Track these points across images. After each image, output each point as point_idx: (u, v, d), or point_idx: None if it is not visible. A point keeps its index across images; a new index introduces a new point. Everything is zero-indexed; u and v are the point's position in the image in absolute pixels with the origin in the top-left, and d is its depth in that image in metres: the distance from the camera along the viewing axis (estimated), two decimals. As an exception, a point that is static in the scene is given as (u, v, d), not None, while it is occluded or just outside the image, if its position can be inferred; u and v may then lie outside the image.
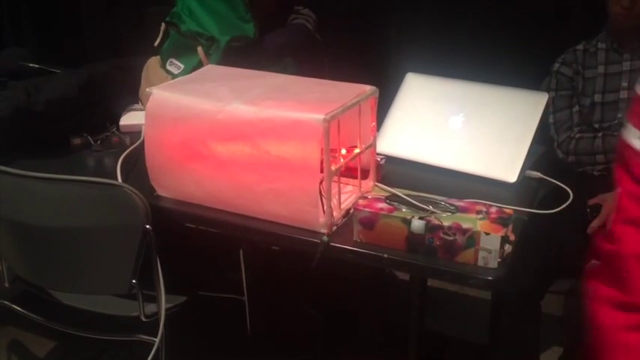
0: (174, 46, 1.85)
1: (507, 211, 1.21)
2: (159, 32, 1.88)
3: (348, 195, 1.37)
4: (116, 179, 1.45)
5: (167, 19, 1.86)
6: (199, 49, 1.77)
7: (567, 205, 1.41)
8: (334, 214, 1.26)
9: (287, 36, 1.96)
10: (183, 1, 1.85)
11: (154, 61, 1.89)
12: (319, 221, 1.24)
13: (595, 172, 1.90)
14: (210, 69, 1.59)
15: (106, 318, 1.56)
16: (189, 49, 1.81)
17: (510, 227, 1.18)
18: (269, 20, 1.96)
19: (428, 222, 1.16)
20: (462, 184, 1.45)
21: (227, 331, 2.04)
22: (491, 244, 1.13)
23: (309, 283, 1.27)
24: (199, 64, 1.77)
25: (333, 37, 2.44)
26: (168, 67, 1.84)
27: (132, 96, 1.88)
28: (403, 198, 1.25)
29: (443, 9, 2.39)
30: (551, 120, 1.95)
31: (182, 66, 1.82)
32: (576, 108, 1.94)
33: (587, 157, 1.89)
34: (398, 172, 1.50)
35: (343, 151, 1.34)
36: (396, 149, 1.57)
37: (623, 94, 1.88)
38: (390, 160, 1.52)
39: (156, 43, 1.88)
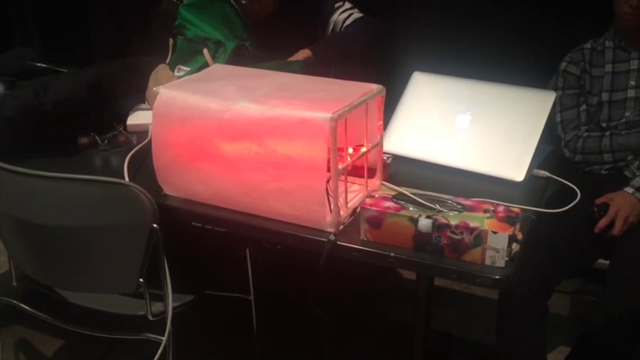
0: (182, 53, 1.86)
1: (515, 209, 1.21)
2: (165, 30, 1.89)
3: (354, 194, 1.37)
4: (123, 178, 1.45)
5: (173, 32, 1.88)
6: (205, 50, 1.78)
7: (574, 204, 1.41)
8: (341, 212, 1.26)
9: (360, 35, 1.96)
10: (182, 15, 1.87)
11: (162, 68, 1.90)
12: (326, 220, 1.24)
13: (602, 171, 1.90)
14: (217, 68, 1.59)
15: (113, 317, 1.56)
16: (195, 53, 1.82)
17: (518, 226, 1.18)
18: (264, 24, 1.96)
19: (435, 221, 1.16)
20: (469, 182, 1.45)
21: (233, 330, 2.05)
22: (498, 243, 1.12)
23: (316, 282, 1.27)
24: (204, 66, 1.78)
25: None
26: (176, 74, 1.85)
27: (139, 95, 1.88)
28: (410, 197, 1.25)
29: (450, 8, 2.39)
30: (558, 119, 1.94)
31: (188, 69, 1.83)
32: (583, 107, 1.94)
33: (594, 156, 1.88)
34: (405, 171, 1.50)
35: (350, 150, 1.34)
36: (402, 148, 1.57)
37: (631, 93, 1.87)
38: (397, 158, 1.52)
39: (167, 61, 1.89)
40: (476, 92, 1.57)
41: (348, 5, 2.03)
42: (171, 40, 1.89)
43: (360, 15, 2.01)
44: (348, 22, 2.00)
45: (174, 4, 2.08)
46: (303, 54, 1.89)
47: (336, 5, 2.02)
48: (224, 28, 1.85)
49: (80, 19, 3.06)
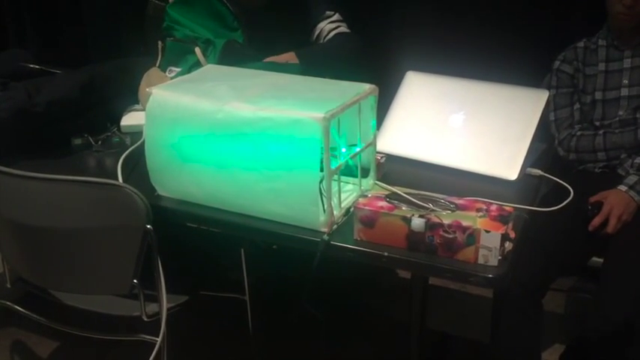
0: (172, 54, 1.87)
1: (507, 208, 1.21)
2: (156, 32, 1.89)
3: (348, 193, 1.37)
4: (117, 179, 1.45)
5: (162, 34, 1.88)
6: (197, 49, 1.78)
7: (568, 203, 1.41)
8: (334, 212, 1.26)
9: (342, 50, 1.97)
10: (169, 16, 1.87)
11: (155, 69, 1.89)
12: (319, 220, 1.24)
13: (596, 170, 1.90)
14: (210, 68, 1.59)
15: (107, 318, 1.56)
16: (186, 53, 1.83)
17: (511, 225, 1.18)
18: (256, 16, 1.96)
19: (428, 220, 1.16)
20: (462, 182, 1.45)
21: (229, 330, 2.05)
22: (491, 241, 1.12)
23: (310, 282, 1.27)
24: (196, 64, 1.78)
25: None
26: (168, 75, 1.85)
27: (132, 96, 1.88)
28: (403, 196, 1.25)
29: (443, 7, 2.39)
30: (552, 117, 1.95)
31: (179, 69, 1.83)
32: (577, 105, 1.94)
33: (588, 154, 1.89)
34: (398, 171, 1.50)
35: (343, 150, 1.34)
36: (396, 147, 1.57)
37: (624, 92, 1.87)
38: (391, 158, 1.52)
39: (157, 64, 1.89)
40: (469, 91, 1.58)
41: (337, 17, 2.04)
42: (160, 42, 1.89)
43: (347, 31, 2.02)
44: (333, 33, 2.01)
45: (159, 6, 2.08)
46: (287, 56, 1.89)
47: (327, 14, 2.03)
48: (212, 22, 1.85)
49: (75, 21, 3.06)
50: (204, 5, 1.88)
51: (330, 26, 2.01)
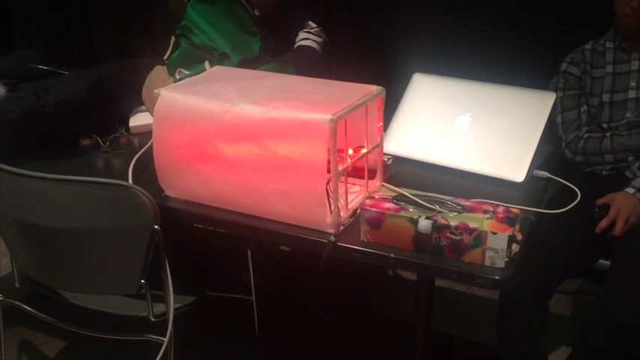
0: (185, 56, 1.87)
1: (514, 210, 1.21)
2: (168, 32, 1.89)
3: (355, 195, 1.37)
4: (125, 180, 1.45)
5: (177, 31, 1.88)
6: (206, 62, 1.79)
7: (575, 205, 1.41)
8: (341, 214, 1.27)
9: (295, 64, 1.96)
10: (189, 15, 1.88)
11: (159, 70, 1.90)
12: (326, 221, 1.24)
13: (603, 172, 1.90)
14: (218, 70, 1.60)
15: (115, 318, 1.56)
16: (199, 59, 1.83)
17: (517, 227, 1.18)
18: (268, 20, 1.96)
19: (435, 222, 1.16)
20: (469, 183, 1.45)
21: (235, 331, 2.05)
22: (498, 243, 1.13)
23: (317, 282, 1.27)
24: None
25: (341, 37, 2.45)
26: (177, 76, 1.85)
27: (140, 97, 1.89)
28: (410, 198, 1.25)
29: (450, 9, 2.39)
30: (559, 120, 1.94)
31: (188, 72, 1.83)
32: (584, 108, 1.94)
33: (595, 156, 1.88)
34: (405, 172, 1.50)
35: (350, 152, 1.35)
36: (403, 149, 1.57)
37: (632, 94, 1.87)
38: (397, 160, 1.53)
39: (165, 57, 1.89)
40: (476, 93, 1.58)
41: (315, 30, 2.04)
42: (173, 37, 1.89)
43: (310, 45, 2.02)
44: (298, 44, 2.03)
45: (182, 3, 2.08)
46: None
47: (309, 24, 2.04)
48: (232, 25, 1.84)
49: (82, 21, 3.07)
50: (225, 8, 1.87)
51: (302, 35, 2.03)
